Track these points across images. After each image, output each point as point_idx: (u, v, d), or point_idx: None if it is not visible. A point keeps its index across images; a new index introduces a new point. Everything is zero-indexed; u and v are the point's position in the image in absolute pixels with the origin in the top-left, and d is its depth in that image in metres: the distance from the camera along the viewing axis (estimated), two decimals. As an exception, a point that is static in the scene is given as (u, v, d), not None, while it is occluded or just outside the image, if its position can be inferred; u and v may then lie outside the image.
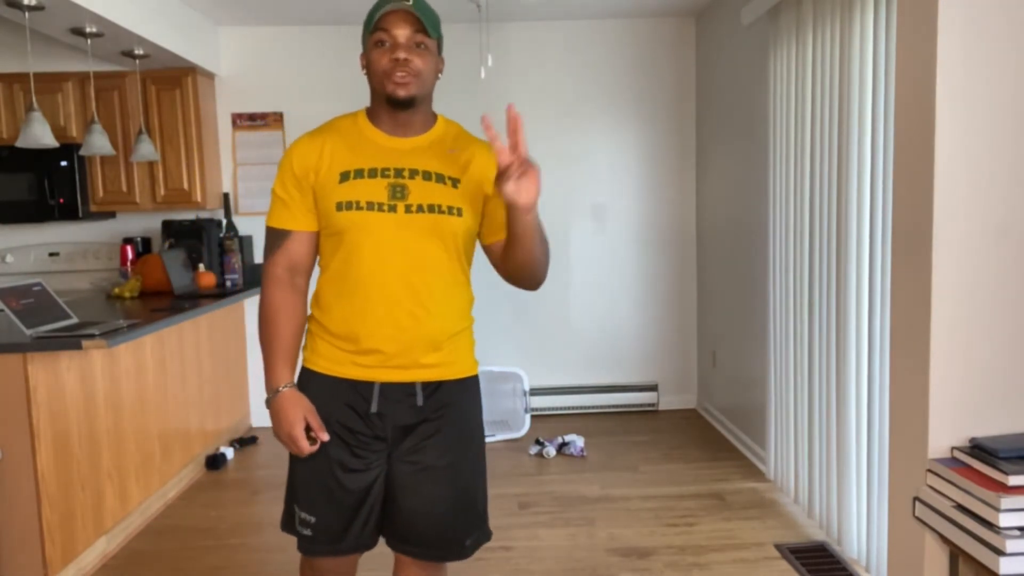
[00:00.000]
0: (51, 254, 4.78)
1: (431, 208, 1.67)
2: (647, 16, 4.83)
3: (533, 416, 4.88)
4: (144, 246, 4.75)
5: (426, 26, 1.63)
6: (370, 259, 1.67)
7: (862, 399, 2.72)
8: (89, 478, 3.04)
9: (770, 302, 3.53)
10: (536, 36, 4.80)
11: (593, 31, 4.83)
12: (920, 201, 1.69)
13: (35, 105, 3.32)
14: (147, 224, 4.83)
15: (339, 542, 1.76)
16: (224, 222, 4.64)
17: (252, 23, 4.69)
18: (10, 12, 3.23)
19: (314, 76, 4.77)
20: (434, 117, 1.78)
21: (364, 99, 1.77)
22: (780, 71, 3.38)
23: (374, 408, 1.72)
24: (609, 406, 5.01)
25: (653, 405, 5.04)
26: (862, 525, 2.76)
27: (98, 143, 3.76)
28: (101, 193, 4.53)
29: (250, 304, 4.86)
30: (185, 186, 4.52)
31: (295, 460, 1.76)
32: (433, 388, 1.74)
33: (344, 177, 1.68)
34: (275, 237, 1.74)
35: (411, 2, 1.61)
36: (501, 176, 1.53)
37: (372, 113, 1.75)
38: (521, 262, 1.70)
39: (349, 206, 1.66)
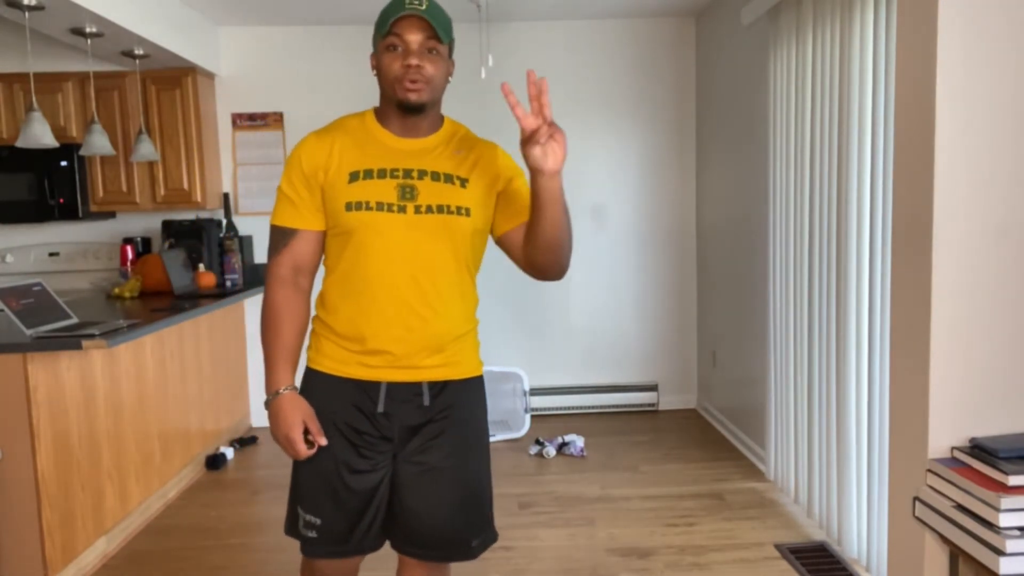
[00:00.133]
0: (51, 254, 4.78)
1: (440, 209, 1.67)
2: (647, 16, 4.83)
3: (533, 416, 4.88)
4: (144, 246, 4.75)
5: (439, 32, 1.63)
6: (379, 259, 1.66)
7: (862, 399, 2.72)
8: (89, 478, 3.04)
9: (770, 302, 3.53)
10: (536, 36, 4.80)
11: (593, 31, 4.84)
12: (920, 201, 1.69)
13: (35, 105, 3.32)
14: (147, 224, 4.83)
15: (344, 544, 1.75)
16: (224, 222, 4.64)
17: (252, 23, 4.69)
18: (10, 12, 3.23)
19: (314, 76, 4.77)
20: (441, 119, 1.78)
21: (365, 98, 1.77)
22: (780, 71, 3.38)
23: (381, 408, 1.71)
24: (609, 406, 5.01)
25: (653, 405, 5.04)
26: (862, 525, 2.76)
27: (98, 143, 3.76)
28: (101, 193, 4.54)
29: (250, 304, 4.86)
30: (185, 186, 4.52)
31: (299, 462, 1.75)
32: (439, 388, 1.74)
33: (353, 177, 1.68)
34: (280, 236, 1.73)
35: (424, 7, 1.61)
36: (527, 141, 1.52)
37: (381, 114, 1.75)
38: (547, 239, 1.65)
39: (359, 206, 1.65)
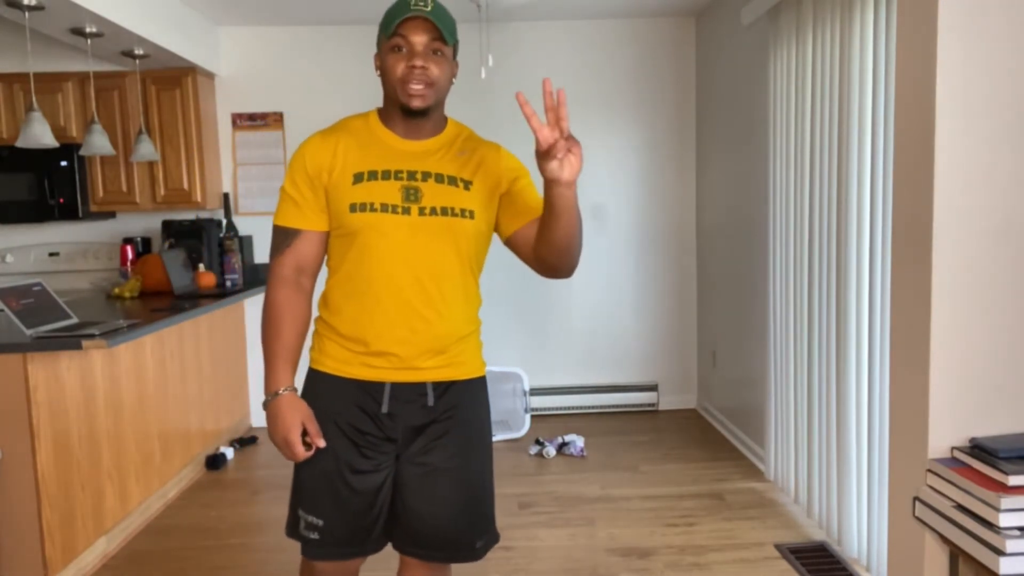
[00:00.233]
0: (51, 254, 4.78)
1: (444, 211, 1.67)
2: (647, 16, 4.83)
3: (533, 416, 4.88)
4: (144, 246, 4.75)
5: (444, 34, 1.62)
6: (383, 261, 1.66)
7: (862, 399, 2.72)
8: (89, 478, 3.04)
9: (770, 302, 3.53)
10: (536, 36, 4.80)
11: (593, 31, 4.83)
12: (920, 201, 1.69)
13: (35, 105, 3.32)
14: (147, 224, 4.83)
15: (346, 545, 1.74)
16: (224, 222, 4.64)
17: (252, 23, 4.69)
18: (10, 12, 3.23)
19: (314, 76, 4.77)
20: (445, 120, 1.78)
21: (365, 98, 1.77)
22: (780, 71, 3.38)
23: (385, 408, 1.71)
24: (609, 406, 5.01)
25: (653, 405, 5.04)
26: (862, 525, 2.76)
27: (98, 143, 3.76)
28: (101, 193, 4.53)
29: (250, 304, 4.86)
30: (185, 186, 4.52)
31: (301, 463, 1.74)
32: (443, 388, 1.74)
33: (358, 178, 1.67)
34: (283, 236, 1.72)
35: (430, 8, 1.61)
36: (544, 155, 1.50)
37: (384, 115, 1.75)
38: (561, 242, 1.64)
39: (363, 207, 1.65)
